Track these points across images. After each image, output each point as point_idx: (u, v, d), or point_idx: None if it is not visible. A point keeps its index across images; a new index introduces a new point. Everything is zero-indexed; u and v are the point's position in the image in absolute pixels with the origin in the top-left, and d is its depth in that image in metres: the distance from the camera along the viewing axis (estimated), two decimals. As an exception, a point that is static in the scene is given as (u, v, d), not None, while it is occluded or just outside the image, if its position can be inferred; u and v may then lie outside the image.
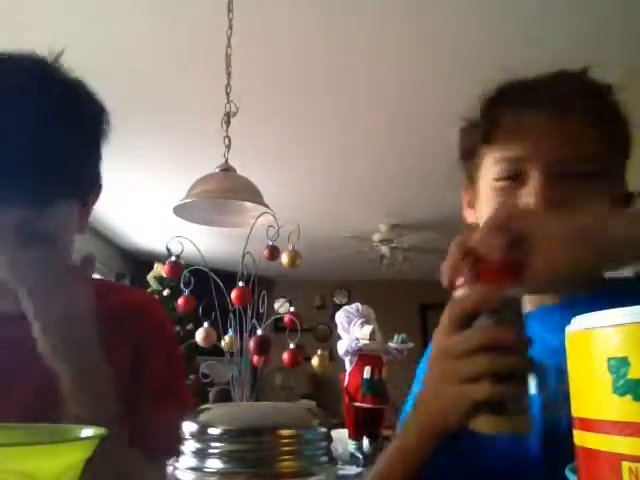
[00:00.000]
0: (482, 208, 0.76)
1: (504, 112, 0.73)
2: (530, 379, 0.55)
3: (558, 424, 0.68)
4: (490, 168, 0.75)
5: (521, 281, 0.53)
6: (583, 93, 0.72)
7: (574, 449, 0.66)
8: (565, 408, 0.67)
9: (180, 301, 2.29)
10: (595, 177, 0.69)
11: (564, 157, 0.69)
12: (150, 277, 4.38)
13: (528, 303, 0.77)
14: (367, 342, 3.55)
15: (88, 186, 0.75)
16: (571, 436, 0.66)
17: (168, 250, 2.24)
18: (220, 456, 0.36)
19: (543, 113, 0.71)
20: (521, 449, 0.69)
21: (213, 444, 0.37)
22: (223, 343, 2.26)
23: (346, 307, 3.59)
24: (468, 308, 0.54)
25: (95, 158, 0.74)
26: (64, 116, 0.67)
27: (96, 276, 0.80)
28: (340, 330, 3.47)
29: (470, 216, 0.82)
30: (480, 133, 0.76)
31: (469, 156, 0.80)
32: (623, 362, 0.30)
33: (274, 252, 2.14)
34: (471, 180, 0.80)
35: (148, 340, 0.83)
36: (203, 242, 2.29)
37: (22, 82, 0.66)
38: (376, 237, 5.37)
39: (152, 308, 0.90)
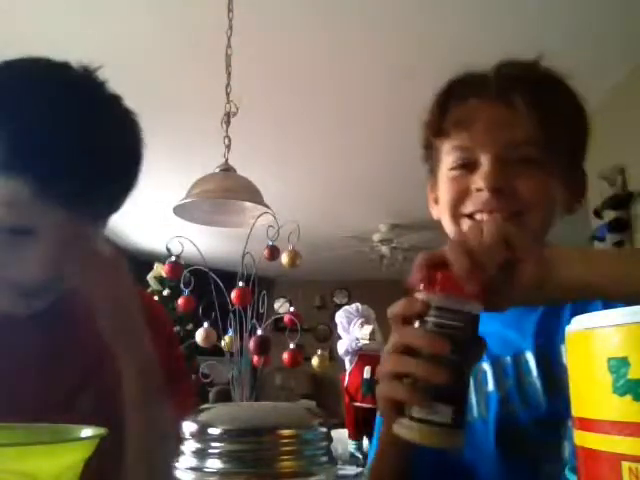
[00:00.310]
0: (442, 200, 0.78)
1: (451, 104, 0.75)
2: (463, 394, 0.53)
3: (516, 420, 0.69)
4: (445, 159, 0.77)
5: (479, 298, 0.52)
6: (523, 81, 0.73)
7: (527, 444, 0.66)
8: (522, 404, 0.68)
9: (180, 301, 2.29)
10: (538, 162, 0.71)
11: (507, 142, 0.71)
12: (150, 277, 4.38)
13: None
14: (367, 342, 3.55)
15: (123, 197, 0.77)
16: (527, 431, 0.67)
17: (168, 250, 2.24)
18: (220, 456, 0.36)
19: (485, 101, 0.73)
20: (477, 443, 0.70)
21: (213, 444, 0.37)
22: (223, 343, 2.25)
23: (346, 307, 3.60)
24: (394, 313, 0.55)
25: (137, 171, 0.76)
26: (117, 125, 0.71)
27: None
28: (340, 330, 3.48)
29: (435, 212, 0.83)
30: (432, 129, 0.78)
31: (427, 150, 0.82)
32: (623, 362, 0.30)
33: (274, 252, 2.14)
34: (433, 174, 0.82)
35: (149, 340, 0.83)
36: (203, 242, 2.29)
37: (81, 92, 0.69)
38: (376, 237, 5.37)
39: (152, 308, 0.90)
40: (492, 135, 0.71)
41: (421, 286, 0.54)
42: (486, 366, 0.74)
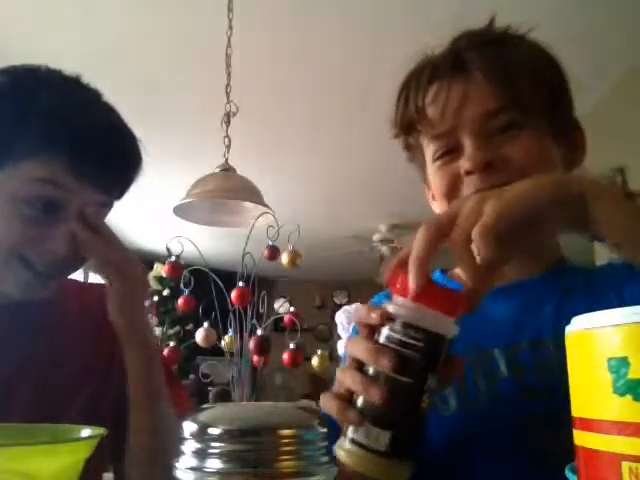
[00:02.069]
0: (436, 193, 0.74)
1: (415, 95, 0.72)
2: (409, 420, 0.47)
3: (534, 407, 0.65)
4: (427, 152, 0.74)
5: (457, 312, 0.48)
6: (477, 50, 0.70)
7: (544, 433, 0.62)
8: (541, 392, 0.65)
9: (180, 301, 2.29)
10: (519, 125, 0.67)
11: (481, 115, 0.67)
12: (150, 277, 4.38)
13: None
14: (367, 342, 3.53)
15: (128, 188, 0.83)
16: (544, 420, 0.65)
17: (168, 250, 2.24)
18: (220, 456, 0.36)
19: (447, 82, 0.69)
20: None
21: (213, 444, 0.37)
22: (223, 343, 2.26)
23: (346, 307, 3.60)
24: (355, 320, 0.53)
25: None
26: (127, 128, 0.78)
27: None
28: (340, 330, 3.47)
29: (436, 208, 0.80)
30: (400, 126, 0.75)
31: (409, 151, 0.79)
32: (623, 362, 0.30)
33: (274, 252, 2.14)
34: (423, 172, 0.79)
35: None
36: (203, 242, 2.29)
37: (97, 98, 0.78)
38: (376, 237, 5.37)
39: None
40: (464, 113, 0.68)
41: (393, 289, 0.49)
42: (497, 353, 0.68)
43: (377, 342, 0.48)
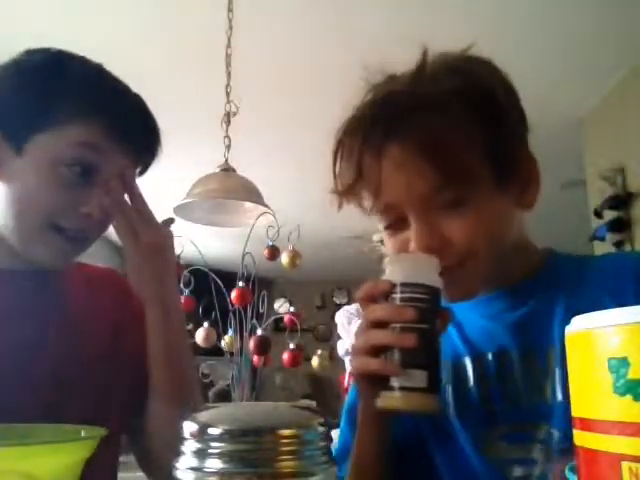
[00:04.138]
0: None
1: (344, 167, 0.67)
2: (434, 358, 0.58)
3: (495, 418, 0.67)
4: (378, 216, 0.69)
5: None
6: (408, 122, 0.62)
7: (501, 443, 0.66)
8: (501, 402, 0.67)
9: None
10: (462, 202, 0.62)
11: (424, 193, 0.62)
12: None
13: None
14: (367, 342, 3.53)
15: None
16: (503, 430, 0.67)
17: (168, 250, 2.23)
18: (220, 456, 0.36)
19: (380, 155, 0.63)
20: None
21: (213, 444, 0.37)
22: (223, 343, 2.26)
23: (346, 307, 3.60)
24: (362, 294, 0.61)
25: None
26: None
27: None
28: (340, 330, 3.48)
29: None
30: (346, 193, 0.69)
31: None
32: (623, 362, 0.30)
33: (274, 252, 2.14)
34: None
35: (130, 321, 0.87)
36: (203, 242, 2.29)
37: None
38: (376, 237, 5.36)
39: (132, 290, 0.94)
40: (405, 191, 0.63)
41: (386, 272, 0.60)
42: (467, 361, 0.71)
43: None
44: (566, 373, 0.64)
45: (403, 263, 0.61)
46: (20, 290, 0.77)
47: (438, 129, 0.62)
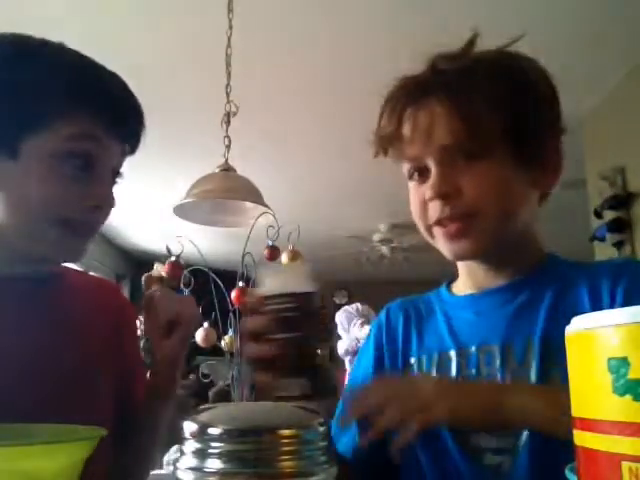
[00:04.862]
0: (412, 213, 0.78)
1: (390, 116, 0.74)
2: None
3: None
4: (403, 169, 0.77)
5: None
6: (445, 80, 0.70)
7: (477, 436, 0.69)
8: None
9: (180, 301, 2.28)
10: (484, 154, 0.69)
11: (447, 143, 0.69)
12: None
13: (469, 288, 0.80)
14: (367, 342, 3.53)
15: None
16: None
17: (168, 250, 2.24)
18: (220, 456, 0.36)
19: (419, 106, 0.71)
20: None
21: (213, 444, 0.37)
22: (223, 343, 2.26)
23: (346, 307, 3.60)
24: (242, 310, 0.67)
25: None
26: None
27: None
28: (340, 330, 3.47)
29: None
30: (376, 144, 0.77)
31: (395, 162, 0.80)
32: (623, 362, 0.30)
33: (274, 252, 2.14)
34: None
35: (127, 329, 0.90)
36: (203, 242, 2.29)
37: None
38: (376, 237, 5.37)
39: (127, 300, 0.97)
40: (430, 141, 0.70)
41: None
42: (452, 354, 0.74)
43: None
44: (545, 368, 0.65)
45: (270, 276, 0.63)
46: (19, 295, 0.77)
47: (469, 90, 0.69)
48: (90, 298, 0.87)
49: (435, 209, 0.71)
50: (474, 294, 0.78)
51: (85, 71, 0.75)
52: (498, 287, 0.75)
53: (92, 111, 0.73)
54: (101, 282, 0.97)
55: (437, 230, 0.73)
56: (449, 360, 0.74)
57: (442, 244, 0.74)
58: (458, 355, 0.74)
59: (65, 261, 0.80)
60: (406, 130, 0.72)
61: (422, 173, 0.73)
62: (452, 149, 0.69)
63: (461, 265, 0.81)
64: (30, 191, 0.72)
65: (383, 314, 0.87)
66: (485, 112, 0.68)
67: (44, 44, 0.75)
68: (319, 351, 0.60)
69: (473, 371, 0.72)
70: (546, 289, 0.72)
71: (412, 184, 0.75)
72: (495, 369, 0.70)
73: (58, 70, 0.73)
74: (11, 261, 0.76)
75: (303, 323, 0.58)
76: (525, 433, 0.65)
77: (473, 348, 0.73)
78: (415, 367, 0.78)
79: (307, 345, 0.59)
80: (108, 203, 0.77)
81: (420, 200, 0.73)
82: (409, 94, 0.73)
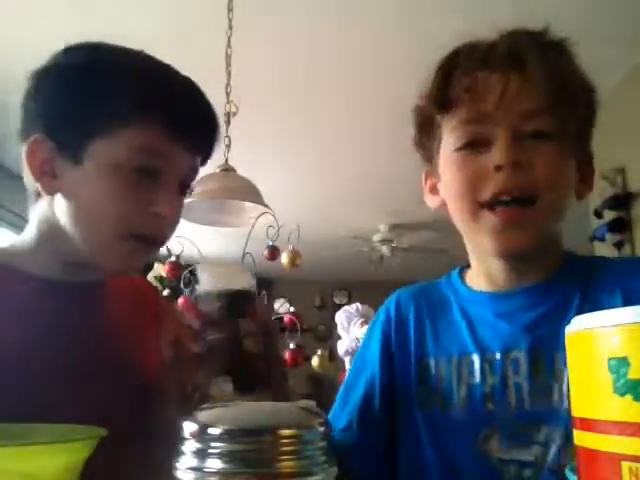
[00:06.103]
0: (450, 188, 0.71)
1: (458, 74, 0.68)
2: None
3: (493, 417, 0.68)
4: (449, 138, 0.70)
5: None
6: (535, 48, 0.68)
7: (498, 443, 0.67)
8: (503, 403, 0.67)
9: (180, 301, 2.29)
10: (551, 136, 0.66)
11: (522, 113, 0.66)
12: (150, 277, 4.38)
13: (483, 285, 0.76)
14: (367, 342, 3.52)
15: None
16: (501, 430, 0.67)
17: (168, 250, 2.23)
18: (220, 456, 0.36)
19: (496, 71, 0.67)
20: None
21: (213, 444, 0.37)
22: (223, 343, 2.25)
23: (346, 307, 3.59)
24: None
25: None
26: None
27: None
28: (340, 330, 3.47)
29: (433, 202, 0.77)
30: (435, 100, 0.70)
31: (425, 131, 0.75)
32: (623, 362, 0.30)
33: (274, 252, 2.14)
34: (430, 160, 0.76)
35: (154, 327, 0.88)
36: (203, 242, 2.29)
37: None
38: (376, 237, 5.36)
39: (164, 301, 0.96)
40: (506, 106, 0.65)
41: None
42: (475, 357, 0.70)
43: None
44: None
45: (206, 271, 0.65)
46: (73, 299, 0.76)
47: (562, 66, 0.67)
48: (131, 300, 0.85)
49: (502, 178, 0.65)
50: (495, 293, 0.73)
51: (155, 76, 0.74)
52: (522, 288, 0.71)
53: (161, 122, 0.70)
54: (135, 283, 0.93)
55: (488, 214, 0.67)
56: (471, 364, 0.70)
57: (489, 230, 0.67)
58: (482, 360, 0.70)
59: (127, 273, 0.80)
60: (481, 90, 0.66)
61: (478, 143, 0.67)
62: (530, 118, 0.65)
63: (479, 261, 0.75)
64: (92, 199, 0.70)
65: (392, 304, 0.81)
66: (574, 93, 0.66)
67: (122, 52, 0.74)
68: (255, 348, 0.61)
69: (497, 378, 0.68)
70: (573, 293, 0.69)
71: (461, 153, 0.68)
72: (522, 378, 0.67)
73: (127, 73, 0.71)
74: (65, 265, 0.74)
75: (229, 323, 0.60)
76: (554, 447, 0.63)
77: (498, 354, 0.69)
78: (433, 370, 0.73)
79: (234, 343, 0.60)
80: (173, 214, 0.74)
81: (474, 171, 0.67)
82: (487, 56, 0.68)
